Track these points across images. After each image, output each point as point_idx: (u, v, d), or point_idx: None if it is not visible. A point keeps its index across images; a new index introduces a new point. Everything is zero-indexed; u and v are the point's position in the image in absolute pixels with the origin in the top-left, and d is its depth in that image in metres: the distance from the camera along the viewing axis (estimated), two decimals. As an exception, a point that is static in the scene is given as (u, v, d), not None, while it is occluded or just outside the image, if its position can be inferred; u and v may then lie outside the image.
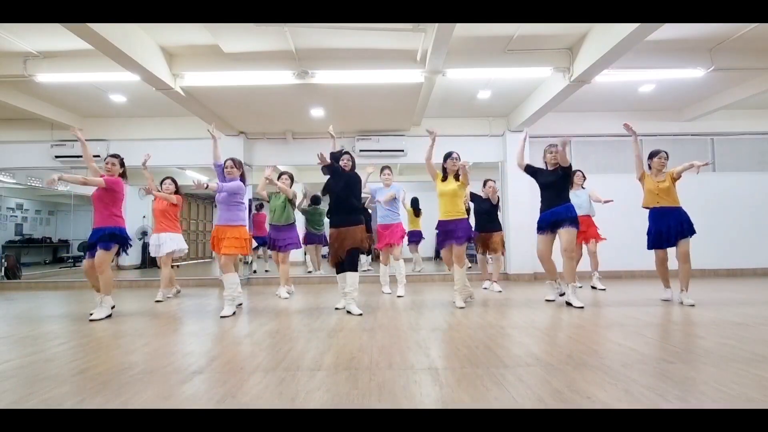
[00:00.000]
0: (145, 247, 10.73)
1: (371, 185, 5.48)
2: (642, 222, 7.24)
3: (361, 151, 7.01)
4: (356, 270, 3.94)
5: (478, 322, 3.33)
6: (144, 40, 4.38)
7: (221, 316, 3.74)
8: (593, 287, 5.35)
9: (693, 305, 4.00)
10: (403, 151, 7.00)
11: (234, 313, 3.90)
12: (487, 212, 5.54)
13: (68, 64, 4.91)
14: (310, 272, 7.41)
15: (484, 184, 5.70)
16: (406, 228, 6.56)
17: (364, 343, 2.66)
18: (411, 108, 6.00)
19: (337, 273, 3.99)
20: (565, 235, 4.08)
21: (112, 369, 2.20)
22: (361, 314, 3.75)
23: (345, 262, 3.90)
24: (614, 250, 6.86)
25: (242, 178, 4.28)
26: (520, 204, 6.85)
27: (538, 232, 4.25)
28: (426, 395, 1.75)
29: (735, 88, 6.00)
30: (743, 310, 3.64)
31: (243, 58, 4.85)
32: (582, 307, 3.91)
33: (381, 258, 5.44)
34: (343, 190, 3.98)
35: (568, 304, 4.02)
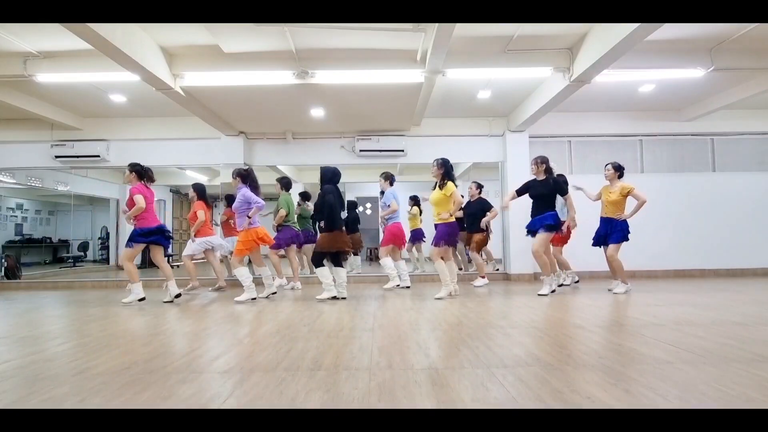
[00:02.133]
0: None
1: (389, 189, 5.85)
2: (640, 223, 7.26)
3: (361, 151, 7.01)
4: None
5: (478, 322, 3.33)
6: (144, 40, 4.37)
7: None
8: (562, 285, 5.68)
9: (622, 293, 4.84)
10: (403, 151, 7.00)
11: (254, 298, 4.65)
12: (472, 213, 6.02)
13: (68, 64, 4.91)
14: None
15: (480, 188, 6.11)
16: (408, 228, 6.70)
17: (364, 343, 2.66)
18: (411, 108, 6.00)
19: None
20: (536, 238, 4.83)
21: (112, 369, 2.20)
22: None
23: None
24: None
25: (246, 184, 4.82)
26: (520, 204, 6.85)
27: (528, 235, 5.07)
28: (426, 395, 1.75)
29: (735, 88, 5.99)
30: (743, 310, 3.64)
31: (243, 58, 4.85)
32: (545, 295, 4.70)
33: (393, 255, 5.76)
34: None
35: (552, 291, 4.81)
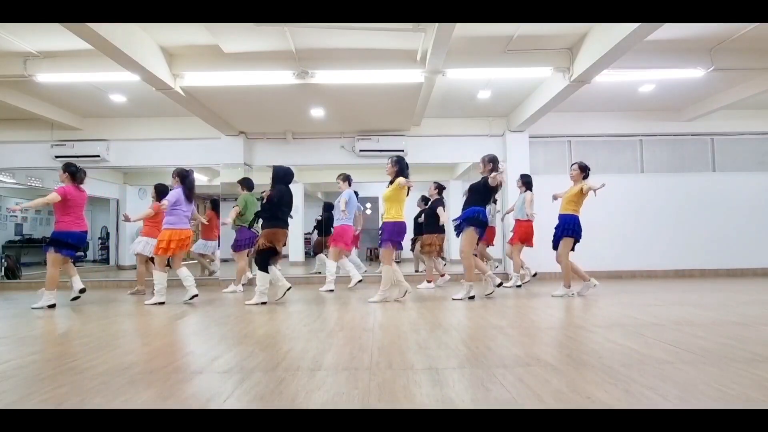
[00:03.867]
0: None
1: (347, 190, 5.80)
2: (641, 222, 7.24)
3: (361, 151, 7.01)
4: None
5: (478, 322, 3.34)
6: (144, 40, 4.37)
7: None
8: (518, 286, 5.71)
9: (560, 296, 4.65)
10: (403, 151, 6.99)
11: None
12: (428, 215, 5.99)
13: (68, 64, 4.91)
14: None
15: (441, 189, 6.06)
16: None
17: (364, 343, 2.66)
18: (411, 108, 6.00)
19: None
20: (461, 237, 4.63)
21: (112, 369, 2.19)
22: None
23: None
24: (614, 251, 6.86)
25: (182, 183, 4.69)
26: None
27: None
28: (426, 395, 1.75)
29: (735, 88, 5.99)
30: (743, 310, 3.64)
31: (243, 58, 4.85)
32: (461, 299, 4.46)
33: (338, 256, 5.80)
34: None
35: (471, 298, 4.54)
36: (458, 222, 4.63)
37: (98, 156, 6.88)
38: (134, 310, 4.27)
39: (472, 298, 4.52)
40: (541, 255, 5.84)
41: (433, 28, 3.87)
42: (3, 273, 7.31)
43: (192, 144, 7.07)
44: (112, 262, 10.11)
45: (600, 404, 1.62)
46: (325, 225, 8.06)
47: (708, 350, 2.38)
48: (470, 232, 4.51)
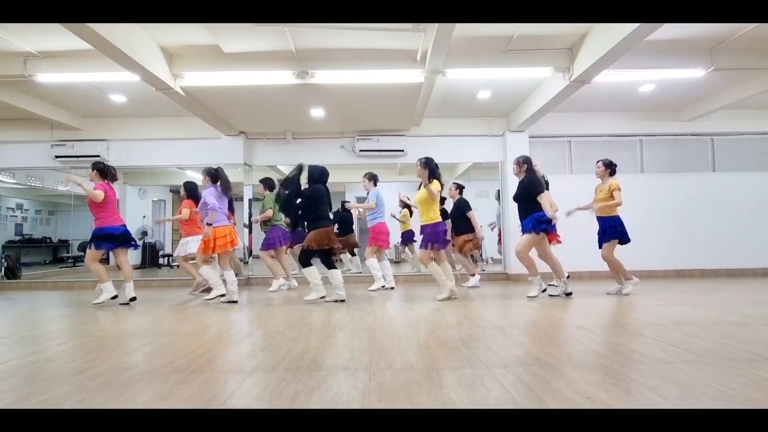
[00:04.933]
0: (145, 247, 10.72)
1: (373, 189, 5.80)
2: (641, 222, 7.25)
3: (361, 151, 7.01)
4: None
5: (479, 322, 3.34)
6: (144, 40, 4.37)
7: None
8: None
9: (609, 294, 4.82)
10: (403, 151, 7.00)
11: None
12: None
13: (68, 64, 4.91)
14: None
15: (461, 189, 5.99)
16: (399, 229, 6.71)
17: (364, 343, 2.66)
18: (411, 108, 6.00)
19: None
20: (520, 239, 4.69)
21: (112, 369, 2.20)
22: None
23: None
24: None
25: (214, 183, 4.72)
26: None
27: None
28: (426, 395, 1.75)
29: (735, 88, 5.99)
30: (743, 310, 3.64)
31: (243, 58, 4.85)
32: (535, 297, 4.60)
33: (378, 255, 5.73)
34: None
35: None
36: (528, 231, 4.62)
37: (98, 156, 6.85)
38: (134, 310, 4.27)
39: (569, 294, 4.62)
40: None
41: (433, 28, 3.87)
42: (3, 273, 7.31)
43: (192, 144, 7.07)
44: (111, 262, 10.10)
45: (600, 404, 1.62)
46: (342, 223, 8.00)
47: (708, 350, 2.38)
48: (540, 238, 4.57)
